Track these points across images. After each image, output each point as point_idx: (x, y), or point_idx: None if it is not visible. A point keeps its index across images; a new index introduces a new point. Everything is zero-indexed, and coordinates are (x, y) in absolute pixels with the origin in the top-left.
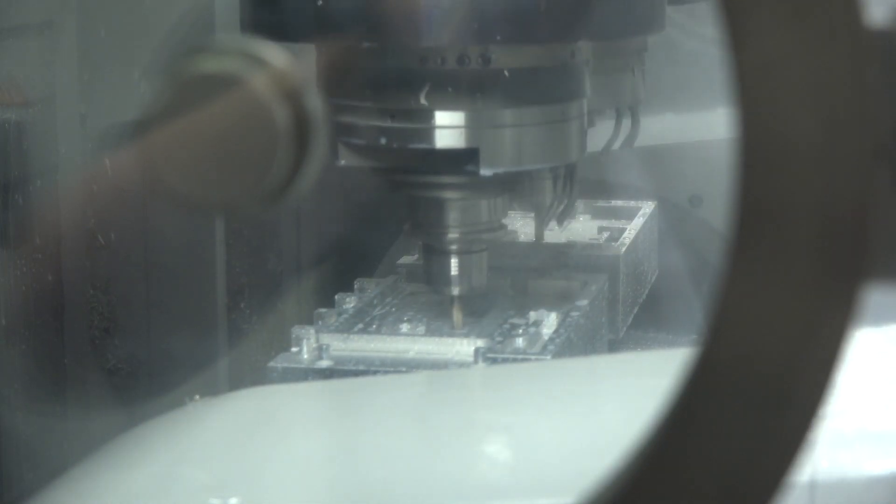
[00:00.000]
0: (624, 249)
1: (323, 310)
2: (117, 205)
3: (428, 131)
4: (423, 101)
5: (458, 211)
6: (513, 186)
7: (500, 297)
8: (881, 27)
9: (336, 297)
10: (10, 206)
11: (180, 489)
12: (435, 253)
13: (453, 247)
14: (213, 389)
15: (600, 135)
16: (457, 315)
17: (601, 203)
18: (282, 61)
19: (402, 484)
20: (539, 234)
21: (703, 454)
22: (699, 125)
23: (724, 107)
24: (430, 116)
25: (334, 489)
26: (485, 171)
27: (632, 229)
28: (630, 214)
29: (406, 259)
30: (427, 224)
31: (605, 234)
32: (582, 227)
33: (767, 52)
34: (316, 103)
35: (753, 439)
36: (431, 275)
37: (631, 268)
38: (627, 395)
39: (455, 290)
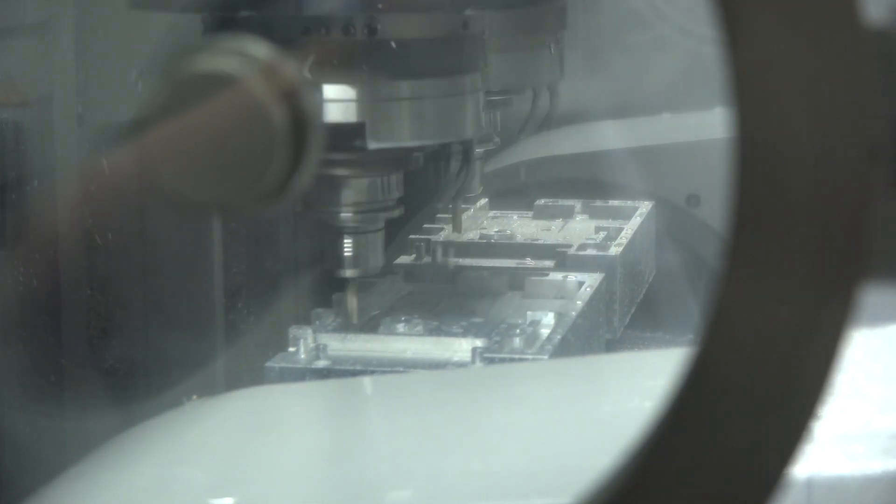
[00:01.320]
0: (621, 249)
1: (320, 310)
2: (115, 205)
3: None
4: (307, 73)
5: (350, 188)
6: (407, 164)
7: (498, 297)
8: (879, 27)
9: (333, 297)
10: (8, 207)
11: (178, 489)
12: (329, 232)
13: (347, 226)
14: (210, 389)
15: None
16: (351, 301)
17: (598, 203)
18: (278, 61)
19: (399, 484)
20: (456, 224)
21: (701, 454)
22: (696, 125)
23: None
24: (316, 90)
25: (332, 489)
26: (373, 146)
27: (629, 229)
28: (627, 214)
29: (403, 259)
30: (319, 202)
31: (603, 234)
32: (579, 227)
33: (765, 51)
34: (313, 102)
35: (750, 439)
36: (325, 256)
37: (628, 268)
38: (625, 394)
39: (349, 272)
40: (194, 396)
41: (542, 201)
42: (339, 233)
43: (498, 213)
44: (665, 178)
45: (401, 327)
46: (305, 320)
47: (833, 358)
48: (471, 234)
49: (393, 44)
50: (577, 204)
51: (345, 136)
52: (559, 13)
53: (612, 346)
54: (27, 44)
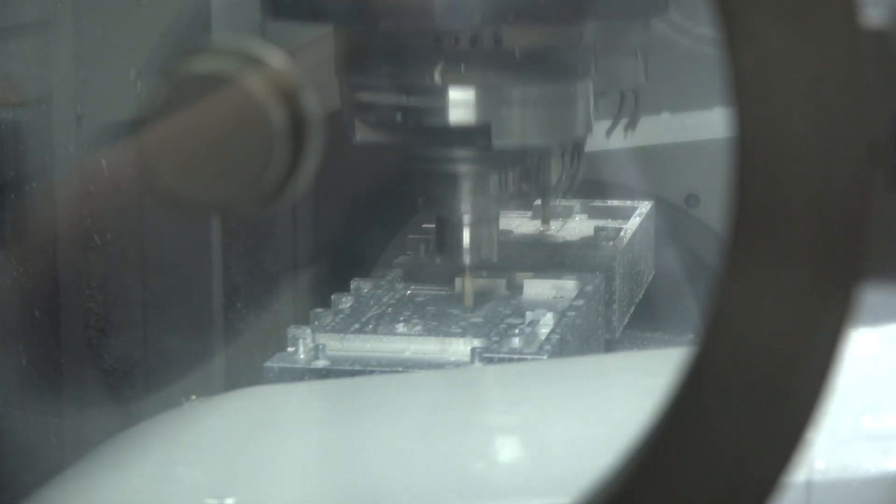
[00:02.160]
0: (620, 249)
1: (319, 310)
2: (113, 205)
3: (442, 108)
4: (437, 78)
5: (469, 184)
6: (522, 161)
7: (497, 297)
8: (877, 27)
9: (332, 296)
10: (6, 207)
11: (177, 489)
12: (447, 225)
13: (465, 218)
14: (209, 389)
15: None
16: (467, 286)
17: (598, 203)
18: (278, 62)
19: (398, 484)
20: (545, 216)
21: (700, 454)
22: (696, 125)
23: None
24: (444, 93)
25: (331, 489)
26: (495, 146)
27: (628, 229)
28: (627, 214)
29: (402, 259)
30: (440, 197)
31: (602, 234)
32: (578, 227)
33: (764, 51)
34: (312, 103)
35: (750, 439)
36: (444, 247)
37: (627, 267)
38: (624, 394)
39: (466, 260)
40: (193, 396)
41: (540, 201)
42: (458, 225)
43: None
44: (664, 178)
45: (400, 327)
46: (304, 320)
47: (832, 358)
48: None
49: (516, 52)
50: (577, 204)
51: (468, 136)
52: (645, 22)
53: (611, 345)
54: (26, 44)
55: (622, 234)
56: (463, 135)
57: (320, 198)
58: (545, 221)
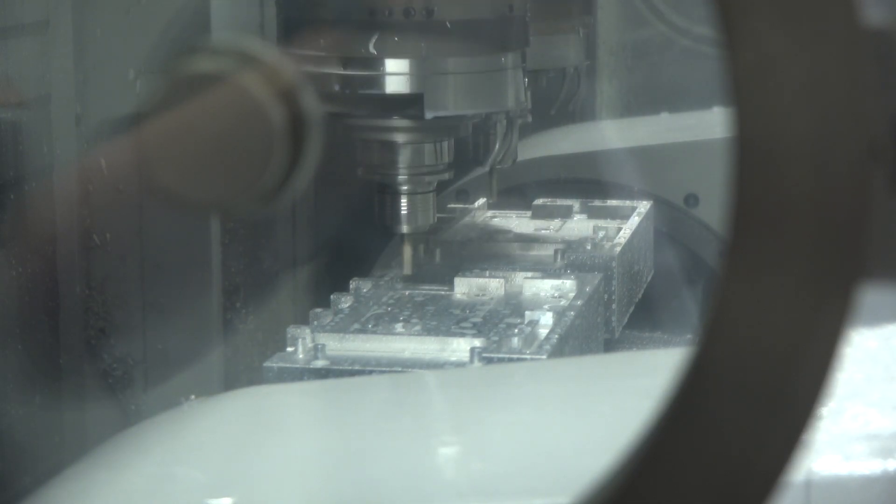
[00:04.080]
0: (619, 249)
1: (318, 310)
2: (113, 204)
3: (377, 78)
4: (372, 49)
5: (406, 153)
6: (457, 132)
7: (496, 297)
8: (877, 27)
9: (331, 296)
10: (6, 206)
11: (176, 489)
12: (386, 193)
13: (403, 187)
14: (208, 389)
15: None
16: (406, 253)
17: (597, 203)
18: (277, 61)
19: (397, 483)
20: (491, 190)
21: (699, 454)
22: (695, 125)
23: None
24: (380, 64)
25: (330, 489)
26: (428, 115)
27: (627, 229)
28: (626, 214)
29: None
30: (379, 165)
31: (601, 234)
32: (578, 227)
33: (763, 52)
34: (312, 103)
35: (749, 439)
36: (383, 214)
37: (626, 267)
38: (623, 394)
39: (404, 228)
40: (192, 396)
41: (540, 201)
42: (395, 193)
43: (497, 212)
44: (663, 178)
45: (399, 327)
46: (304, 320)
47: (832, 358)
48: (469, 234)
49: (448, 24)
50: (576, 204)
51: (403, 106)
52: (587, 0)
53: (610, 345)
54: (26, 44)
55: (621, 234)
56: (398, 104)
57: (320, 198)
58: (491, 195)
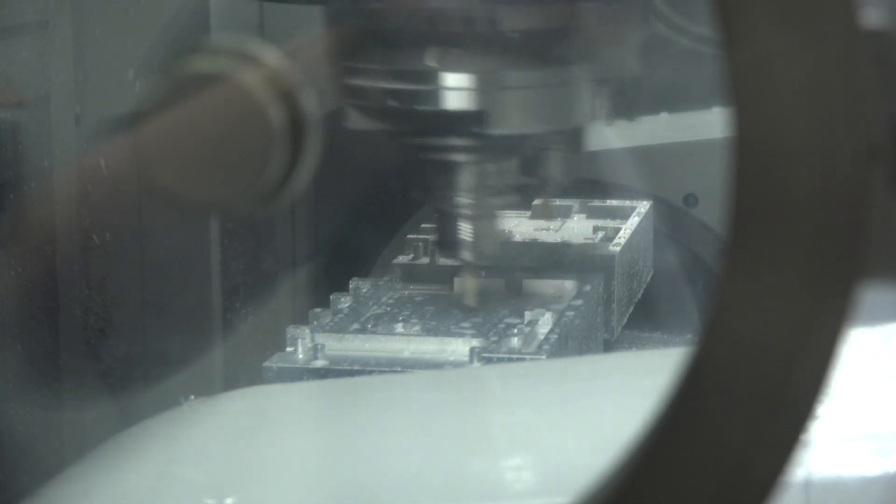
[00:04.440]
0: (619, 249)
1: (318, 309)
2: (112, 204)
3: (436, 93)
4: (430, 62)
5: (467, 174)
6: (520, 151)
7: (496, 297)
8: (876, 27)
9: (331, 296)
10: (5, 206)
11: (176, 489)
12: (445, 218)
13: (464, 211)
14: (208, 389)
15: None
16: (469, 283)
17: (596, 202)
18: (276, 61)
19: (397, 484)
20: (546, 212)
21: (698, 454)
22: (695, 125)
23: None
24: (439, 78)
25: (330, 489)
26: (493, 132)
27: (627, 229)
28: (625, 214)
29: (401, 259)
30: (436, 188)
31: (600, 234)
32: (577, 227)
33: (762, 51)
34: (311, 102)
35: (748, 439)
36: (443, 241)
37: (626, 267)
38: (622, 394)
39: (466, 256)
40: (192, 396)
41: (539, 201)
42: (456, 218)
43: (497, 211)
44: (663, 178)
45: (398, 327)
46: (303, 320)
47: (831, 358)
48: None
49: (513, 34)
50: (575, 203)
51: (464, 123)
52: (643, 6)
53: (609, 345)
54: (25, 44)
55: (621, 233)
56: (458, 121)
57: (319, 197)
58: (546, 218)
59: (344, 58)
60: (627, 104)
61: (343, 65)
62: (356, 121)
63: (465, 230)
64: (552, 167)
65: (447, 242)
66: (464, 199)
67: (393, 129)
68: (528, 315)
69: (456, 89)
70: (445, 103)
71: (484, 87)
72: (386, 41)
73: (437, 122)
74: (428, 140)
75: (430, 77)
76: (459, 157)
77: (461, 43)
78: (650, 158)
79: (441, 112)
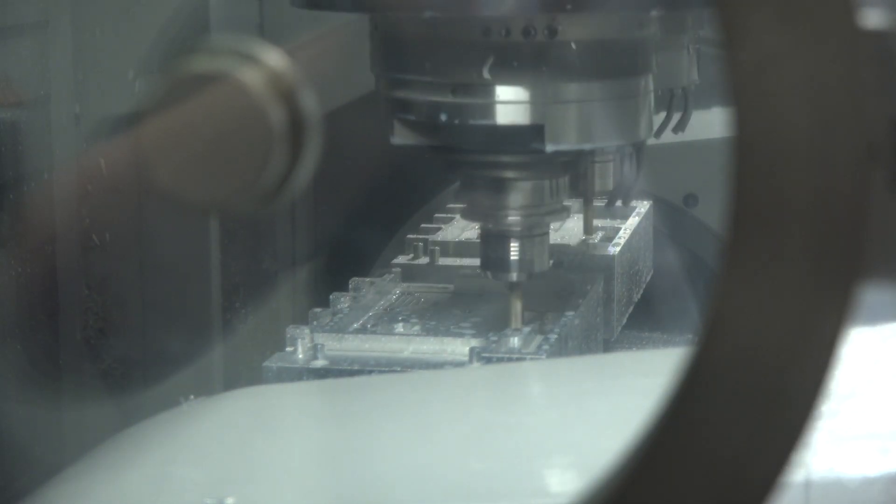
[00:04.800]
0: (619, 249)
1: (318, 309)
2: (112, 204)
3: (490, 107)
4: (486, 75)
5: (519, 191)
6: (576, 167)
7: (495, 297)
8: (876, 27)
9: (331, 296)
10: (5, 206)
11: (175, 489)
12: (493, 236)
13: (514, 230)
14: (207, 389)
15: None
16: (516, 305)
17: (596, 203)
18: (276, 61)
19: (397, 484)
20: (588, 223)
21: (698, 454)
22: (694, 124)
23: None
24: (493, 91)
25: (329, 489)
26: (550, 149)
27: (627, 229)
28: (625, 214)
29: (401, 259)
30: (486, 205)
31: (600, 234)
32: (576, 227)
33: (763, 51)
34: (311, 102)
35: (748, 439)
36: (489, 261)
37: (626, 267)
38: (622, 394)
39: (514, 276)
40: (192, 396)
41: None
42: (505, 237)
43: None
44: (663, 178)
45: (398, 327)
46: (303, 320)
47: (831, 358)
48: (468, 234)
49: (573, 45)
50: (575, 203)
51: (519, 139)
52: (698, 15)
53: (609, 345)
54: (24, 44)
55: (621, 234)
56: (513, 137)
57: (319, 198)
58: (589, 231)
59: (391, 68)
60: (683, 115)
61: (390, 76)
62: (403, 135)
63: (514, 250)
64: (607, 181)
65: (495, 262)
66: (513, 218)
67: (441, 144)
68: (528, 315)
69: (511, 103)
70: (500, 118)
71: (540, 101)
72: (438, 51)
73: (490, 137)
74: (479, 157)
75: (485, 91)
76: (511, 174)
77: (517, 55)
78: (650, 158)
79: (495, 127)
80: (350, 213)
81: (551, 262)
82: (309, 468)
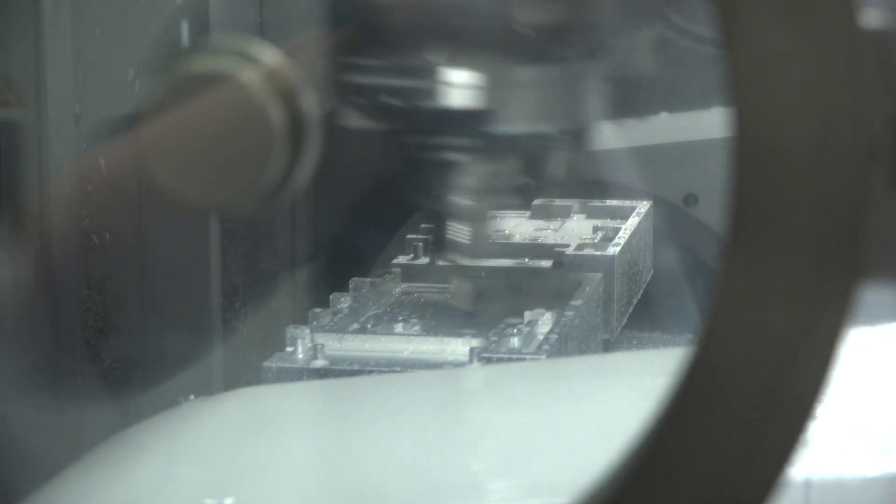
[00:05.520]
0: (619, 249)
1: (318, 309)
2: (112, 204)
3: (438, 89)
4: (432, 57)
5: (465, 174)
6: (521, 150)
7: (495, 297)
8: (876, 27)
9: (331, 296)
10: (5, 207)
11: (175, 489)
12: (441, 218)
13: (462, 212)
14: (207, 389)
15: None
16: (464, 286)
17: (596, 202)
18: (276, 61)
19: (397, 484)
20: (547, 212)
21: (698, 454)
22: (695, 125)
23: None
24: (440, 74)
25: (329, 489)
26: (497, 131)
27: (626, 229)
28: (625, 214)
29: (401, 259)
30: (433, 188)
31: (600, 234)
32: (576, 227)
33: (763, 51)
34: (310, 102)
35: (748, 439)
36: (437, 243)
37: (626, 267)
38: (622, 394)
39: (461, 258)
40: (192, 396)
41: (539, 201)
42: (451, 219)
43: (495, 212)
44: (663, 178)
45: (398, 327)
46: (303, 320)
47: (831, 357)
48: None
49: (521, 28)
50: (575, 203)
51: (467, 121)
52: (653, 4)
53: (609, 345)
54: (25, 44)
55: (620, 233)
56: (461, 120)
57: (319, 197)
58: (546, 218)
59: (343, 54)
60: (639, 103)
61: (342, 62)
62: (355, 119)
63: (459, 232)
64: (555, 166)
65: (440, 244)
66: (460, 200)
67: (392, 127)
68: (527, 315)
69: (459, 86)
70: (447, 101)
71: (489, 84)
72: (386, 36)
73: (437, 120)
74: (427, 139)
75: (432, 73)
76: (459, 157)
77: (465, 38)
78: (650, 158)
79: (442, 110)
80: (350, 213)
81: (551, 262)
82: (309, 468)
